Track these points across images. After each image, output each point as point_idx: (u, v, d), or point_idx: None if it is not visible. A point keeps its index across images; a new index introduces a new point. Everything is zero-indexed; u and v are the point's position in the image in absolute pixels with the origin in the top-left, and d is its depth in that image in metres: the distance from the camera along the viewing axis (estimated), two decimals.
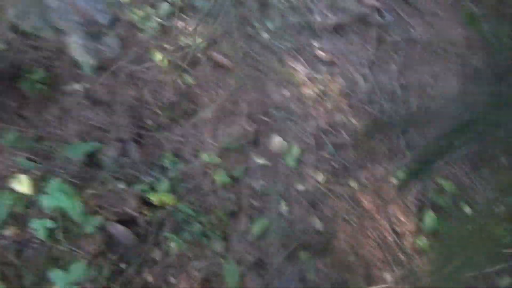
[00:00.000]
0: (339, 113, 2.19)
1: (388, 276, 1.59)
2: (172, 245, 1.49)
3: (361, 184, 1.93)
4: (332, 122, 2.14)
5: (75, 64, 1.69)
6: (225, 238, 1.58)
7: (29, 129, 1.53)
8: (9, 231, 1.28)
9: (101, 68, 1.74)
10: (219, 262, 1.52)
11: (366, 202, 1.87)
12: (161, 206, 1.57)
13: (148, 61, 1.86)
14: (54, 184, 1.31)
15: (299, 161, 1.91)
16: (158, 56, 1.86)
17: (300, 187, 1.82)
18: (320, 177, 1.87)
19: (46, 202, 1.27)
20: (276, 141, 1.96)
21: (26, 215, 1.32)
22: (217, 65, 2.07)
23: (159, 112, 1.79)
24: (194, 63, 2.00)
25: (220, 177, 1.71)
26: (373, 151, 2.09)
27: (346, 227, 1.73)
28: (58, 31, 1.65)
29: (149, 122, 1.77)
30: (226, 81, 2.08)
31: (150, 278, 1.42)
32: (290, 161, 1.88)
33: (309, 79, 2.22)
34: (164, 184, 1.60)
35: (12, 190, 1.31)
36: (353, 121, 2.16)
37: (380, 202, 1.88)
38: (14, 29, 1.58)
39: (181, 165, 1.72)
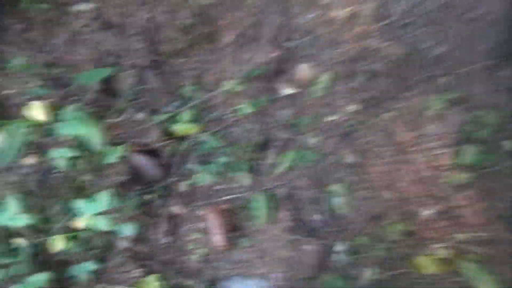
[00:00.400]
0: (370, 38, 2.01)
1: (424, 212, 1.54)
2: (198, 177, 1.44)
3: (395, 115, 1.81)
4: (363, 47, 1.97)
5: None
6: (252, 170, 1.52)
7: (37, 54, 1.40)
8: (28, 160, 1.22)
9: None
10: (247, 194, 1.47)
11: (400, 134, 1.77)
12: (184, 137, 1.50)
13: None
14: (71, 111, 1.22)
15: (328, 90, 1.79)
16: None
17: (330, 118, 1.72)
18: (351, 108, 1.75)
19: (64, 130, 1.19)
20: (303, 69, 1.82)
21: (45, 144, 1.25)
22: None
23: (175, 36, 1.65)
24: None
25: (244, 107, 1.61)
26: (408, 79, 1.95)
27: (379, 161, 1.65)
28: None
29: (165, 47, 1.63)
30: (247, 4, 1.90)
31: (176, 210, 1.38)
32: (319, 90, 1.76)
33: None
34: (186, 114, 1.50)
35: (26, 118, 1.23)
36: (386, 46, 2.00)
37: (415, 135, 1.78)
38: None
39: (202, 94, 1.61)
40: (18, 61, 1.32)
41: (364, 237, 1.48)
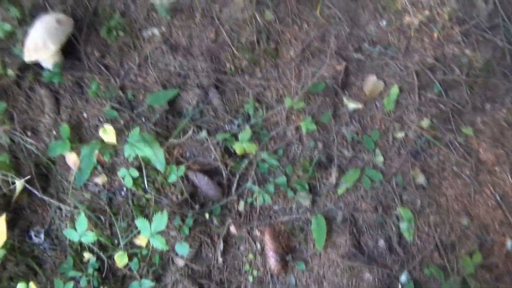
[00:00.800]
0: (449, 44, 1.84)
1: (509, 242, 1.36)
2: (256, 197, 1.45)
3: (477, 129, 1.63)
4: (440, 55, 1.81)
5: (152, 7, 1.64)
6: (312, 190, 1.49)
7: (113, 78, 1.55)
8: (99, 179, 1.35)
9: (176, 9, 1.67)
10: (306, 216, 1.45)
11: (483, 151, 1.59)
12: (244, 156, 1.53)
13: None
14: (137, 133, 1.31)
15: (398, 103, 1.68)
16: None
17: (399, 134, 1.61)
18: (424, 122, 1.62)
19: (131, 151, 1.30)
20: (371, 81, 1.73)
21: (114, 164, 1.38)
22: None
23: (238, 54, 1.69)
24: None
25: (306, 124, 1.58)
26: (494, 89, 1.74)
27: (456, 182, 1.51)
28: None
29: (229, 65, 1.68)
30: (312, 14, 1.87)
31: (233, 230, 1.41)
32: (388, 104, 1.66)
33: (412, 3, 1.88)
34: (247, 132, 1.53)
35: (100, 140, 1.36)
36: (468, 52, 1.81)
37: (501, 152, 1.58)
38: None
39: (264, 111, 1.62)
40: (95, 86, 1.47)
41: (434, 268, 1.36)
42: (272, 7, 1.78)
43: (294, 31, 1.80)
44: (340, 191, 1.49)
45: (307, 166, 1.54)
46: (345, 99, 1.68)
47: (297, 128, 1.60)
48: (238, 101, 1.66)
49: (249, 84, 1.68)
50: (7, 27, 1.34)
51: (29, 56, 1.29)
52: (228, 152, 1.53)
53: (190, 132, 1.50)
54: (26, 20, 1.42)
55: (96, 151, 1.32)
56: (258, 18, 1.73)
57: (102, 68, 1.55)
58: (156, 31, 1.64)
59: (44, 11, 1.49)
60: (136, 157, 1.33)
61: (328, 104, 1.66)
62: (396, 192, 1.48)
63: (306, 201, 1.46)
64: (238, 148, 1.51)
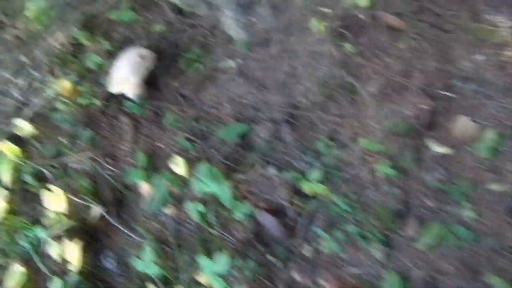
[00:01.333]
0: None
1: None
2: (323, 243, 1.37)
3: None
4: None
5: (229, 40, 1.68)
6: (387, 242, 1.37)
7: (188, 108, 1.60)
8: (168, 210, 1.38)
9: (253, 42, 1.69)
10: (378, 271, 1.33)
11: None
12: (314, 197, 1.46)
13: (302, 30, 1.71)
14: (206, 166, 1.33)
15: (495, 150, 1.49)
16: (315, 23, 1.69)
17: (495, 186, 1.42)
18: None
19: (199, 185, 1.31)
20: (462, 123, 1.57)
21: (183, 196, 1.40)
22: (385, 27, 1.77)
23: (314, 88, 1.64)
24: (356, 27, 1.76)
25: (384, 168, 1.47)
26: None
27: None
28: (212, 6, 1.65)
29: (303, 100, 1.64)
30: (396, 47, 1.77)
31: (297, 276, 1.34)
32: (482, 151, 1.48)
33: None
34: (318, 172, 1.47)
35: (171, 171, 1.40)
36: None
37: None
38: (173, 8, 1.65)
39: (337, 151, 1.55)
40: (171, 115, 1.52)
41: None
42: (352, 39, 1.72)
43: (374, 65, 1.71)
44: (420, 246, 1.35)
45: (383, 215, 1.42)
46: (430, 142, 1.54)
47: (373, 171, 1.50)
48: (310, 137, 1.60)
49: (322, 120, 1.62)
50: (97, 59, 1.45)
51: (114, 87, 1.38)
52: (296, 191, 1.47)
53: (259, 168, 1.48)
54: (115, 52, 1.53)
55: (168, 182, 1.36)
56: (336, 51, 1.68)
57: (179, 98, 1.61)
58: (232, 63, 1.67)
59: (131, 44, 1.60)
60: (204, 192, 1.34)
61: (410, 146, 1.53)
62: (488, 256, 1.29)
63: (379, 254, 1.34)
64: (307, 187, 1.45)
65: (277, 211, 1.44)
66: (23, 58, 1.40)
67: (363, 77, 1.70)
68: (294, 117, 1.64)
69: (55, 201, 1.21)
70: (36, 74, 1.39)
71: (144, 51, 1.43)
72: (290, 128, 1.60)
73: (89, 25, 1.52)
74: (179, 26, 1.65)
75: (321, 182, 1.47)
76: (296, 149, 1.56)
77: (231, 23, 1.66)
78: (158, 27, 1.60)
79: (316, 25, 1.70)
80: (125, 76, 1.36)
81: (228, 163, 1.50)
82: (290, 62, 1.67)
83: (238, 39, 1.66)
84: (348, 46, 1.70)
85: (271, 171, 1.50)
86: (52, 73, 1.42)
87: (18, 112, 1.35)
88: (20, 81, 1.38)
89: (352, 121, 1.61)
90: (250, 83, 1.68)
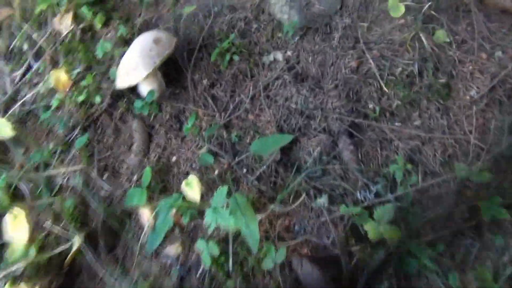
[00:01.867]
0: None
1: None
2: None
3: None
4: None
5: (277, 25, 1.31)
6: None
7: (218, 112, 1.26)
8: (173, 248, 1.05)
9: (310, 27, 1.30)
10: None
11: None
12: (380, 244, 1.03)
13: (377, 12, 1.29)
14: (222, 193, 0.96)
15: None
16: (394, 2, 1.25)
17: None
18: None
19: (216, 216, 0.94)
20: None
21: (194, 231, 1.05)
22: (494, 10, 1.28)
23: (388, 90, 1.21)
24: (452, 9, 1.29)
25: (491, 207, 0.99)
26: None
27: None
28: None
29: (372, 105, 1.21)
30: (509, 36, 1.27)
31: None
32: None
33: None
34: (388, 208, 1.03)
35: (183, 195, 1.06)
36: None
37: None
38: None
39: (419, 178, 1.10)
40: (194, 120, 1.19)
41: None
42: (447, 25, 1.25)
43: (479, 60, 1.23)
44: None
45: (487, 277, 0.94)
46: None
47: (474, 210, 1.02)
48: (380, 158, 1.17)
49: (400, 135, 1.18)
50: (109, 46, 1.17)
51: (120, 82, 1.09)
52: (356, 233, 1.05)
53: (303, 196, 1.08)
54: (132, 39, 1.24)
55: (174, 209, 1.02)
56: (424, 40, 1.23)
57: (209, 99, 1.28)
58: (279, 55, 1.30)
59: (153, 29, 1.31)
60: (222, 226, 0.98)
61: None
62: None
63: None
64: (371, 230, 1.02)
65: (325, 261, 1.03)
66: (22, 44, 1.18)
67: (461, 76, 1.23)
68: (359, 129, 1.22)
69: (19, 227, 0.93)
70: (34, 63, 1.16)
71: (161, 34, 1.11)
72: (352, 143, 1.18)
73: (104, 5, 1.27)
74: (215, 8, 1.33)
75: (394, 223, 1.03)
76: (359, 173, 1.14)
77: (280, 4, 1.29)
78: (188, 9, 1.29)
79: (396, 6, 1.26)
80: (134, 66, 1.06)
81: (262, 187, 1.13)
82: (358, 54, 1.25)
83: (288, 24, 1.28)
84: (440, 34, 1.24)
85: (321, 201, 1.09)
86: (53, 62, 1.18)
87: (5, 109, 1.12)
88: (15, 71, 1.16)
89: (443, 136, 1.14)
90: (301, 81, 1.29)
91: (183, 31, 1.32)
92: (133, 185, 1.11)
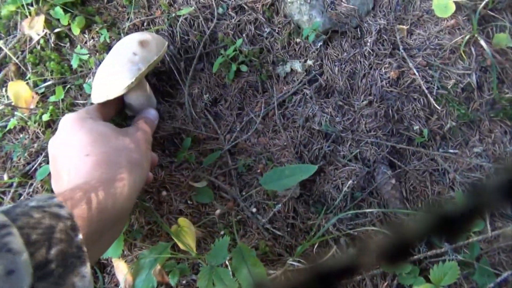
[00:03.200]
0: None
1: None
2: None
3: None
4: None
5: (295, 29, 1.10)
6: None
7: (222, 133, 1.03)
8: None
9: (335, 31, 1.08)
10: None
11: None
12: None
13: (421, 12, 1.06)
14: (224, 244, 0.72)
15: None
16: (441, 0, 1.03)
17: None
18: None
19: (203, 281, 0.69)
20: None
21: None
22: None
23: (439, 107, 0.97)
24: (509, 8, 1.06)
25: None
26: None
27: None
28: None
29: (417, 127, 0.97)
30: None
31: None
32: None
33: None
34: (450, 267, 0.77)
35: (172, 243, 0.82)
36: None
37: None
38: None
39: (487, 222, 0.84)
40: (189, 147, 0.96)
41: None
42: (509, 27, 1.02)
43: None
44: None
45: None
46: None
47: None
48: (431, 195, 0.92)
49: (455, 165, 0.93)
50: (85, 53, 0.97)
51: (95, 95, 0.87)
52: None
53: (334, 248, 0.83)
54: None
55: (159, 265, 0.78)
56: (483, 44, 1.00)
57: (210, 118, 1.05)
58: (298, 66, 1.08)
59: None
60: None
61: None
62: None
63: None
64: None
65: None
66: None
67: None
68: (401, 157, 0.97)
69: None
70: None
71: (149, 36, 0.90)
72: (394, 175, 0.94)
73: (85, 8, 1.07)
74: (218, 9, 1.12)
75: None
76: (405, 216, 0.89)
77: (298, 3, 1.08)
78: (186, 11, 1.09)
79: (444, 4, 1.04)
80: (112, 74, 0.85)
81: (278, 232, 0.88)
82: (397, 63, 1.02)
83: (309, 27, 1.07)
84: (502, 38, 1.01)
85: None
86: (18, 74, 0.98)
87: None
88: None
89: None
90: (326, 97, 1.06)
91: (180, 37, 1.11)
92: None
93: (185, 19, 1.12)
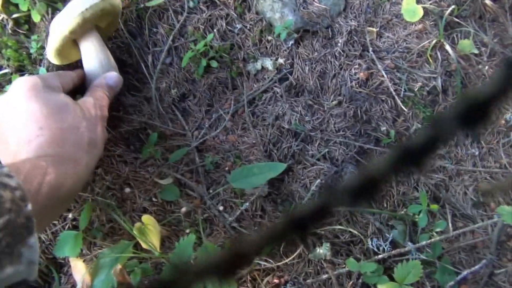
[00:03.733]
0: None
1: None
2: None
3: None
4: None
5: (267, 27, 1.09)
6: None
7: (189, 130, 1.01)
8: None
9: (307, 31, 1.08)
10: None
11: None
12: None
13: (386, 15, 1.08)
14: (189, 243, 0.70)
15: None
16: (409, 4, 1.06)
17: None
18: None
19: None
20: None
21: None
22: None
23: (406, 108, 0.99)
24: (473, 16, 1.10)
25: None
26: None
27: None
28: None
29: (384, 128, 0.99)
30: None
31: None
32: None
33: None
34: (413, 266, 0.79)
35: (135, 242, 0.79)
36: None
37: None
38: None
39: (450, 224, 0.87)
40: (155, 142, 0.94)
41: None
42: (475, 33, 1.06)
43: None
44: None
45: None
46: None
47: None
48: (397, 195, 0.94)
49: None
50: (43, 37, 0.92)
51: (48, 51, 0.83)
52: None
53: (300, 248, 0.83)
54: None
55: (120, 265, 0.75)
56: (448, 50, 1.03)
57: (178, 114, 1.03)
58: (268, 63, 1.07)
59: None
60: None
61: None
62: None
63: None
64: None
65: None
66: None
67: None
68: (369, 157, 0.99)
69: None
70: None
71: None
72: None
73: None
74: (189, 2, 1.10)
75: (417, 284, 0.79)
76: (370, 215, 0.90)
77: (271, 0, 1.07)
78: (155, 2, 1.06)
79: (412, 9, 1.06)
80: (56, 20, 0.79)
81: (244, 231, 0.87)
82: (367, 64, 1.04)
83: (281, 25, 1.07)
84: (466, 44, 1.05)
85: (322, 253, 0.84)
86: None
87: None
88: None
89: (474, 170, 0.92)
90: (296, 96, 1.06)
91: (149, 29, 1.08)
92: (66, 227, 0.84)
93: (154, 11, 1.09)
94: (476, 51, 1.04)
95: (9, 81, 0.92)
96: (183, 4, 1.10)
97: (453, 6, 1.06)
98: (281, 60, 1.09)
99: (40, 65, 0.93)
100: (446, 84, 1.00)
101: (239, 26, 1.11)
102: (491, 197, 0.91)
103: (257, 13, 1.11)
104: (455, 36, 1.06)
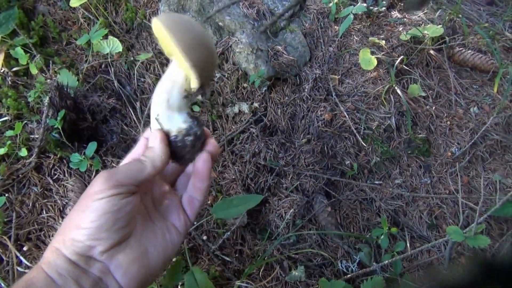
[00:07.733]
0: None
1: None
2: None
3: None
4: None
5: (242, 75, 1.24)
6: None
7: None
8: None
9: (277, 79, 1.24)
10: None
11: None
12: None
13: (346, 64, 1.26)
14: (176, 268, 0.79)
15: None
16: (365, 55, 1.23)
17: None
18: None
19: None
20: None
21: None
22: (464, 67, 1.30)
23: (366, 145, 1.14)
24: (420, 64, 1.29)
25: None
26: None
27: None
28: (221, 29, 1.24)
29: (348, 162, 1.13)
30: (485, 91, 1.27)
31: None
32: None
33: None
34: (377, 282, 0.90)
35: None
36: None
37: None
38: None
39: (409, 244, 0.99)
40: None
41: None
42: (422, 79, 1.24)
43: (456, 115, 1.20)
44: None
45: None
46: None
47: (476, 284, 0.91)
48: (362, 220, 1.06)
49: (381, 194, 1.08)
50: (40, 88, 1.03)
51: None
52: None
53: (277, 268, 0.93)
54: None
55: None
56: (399, 94, 1.20)
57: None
58: (245, 107, 1.21)
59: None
60: None
61: None
62: None
63: None
64: None
65: None
66: None
67: (440, 131, 1.19)
68: (336, 188, 1.12)
69: None
70: None
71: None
72: (330, 204, 1.07)
73: (45, 49, 1.14)
74: None
75: None
76: (339, 240, 1.01)
77: (245, 53, 1.23)
78: (144, 56, 1.20)
79: (368, 59, 1.24)
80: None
81: (228, 258, 0.97)
82: (331, 107, 1.19)
83: (255, 74, 1.22)
84: (415, 88, 1.22)
85: (297, 275, 0.94)
86: None
87: None
88: None
89: (427, 196, 1.06)
90: (270, 135, 1.20)
91: (137, 78, 1.21)
92: None
93: (142, 63, 1.23)
94: (424, 94, 1.21)
95: (8, 127, 1.01)
96: (168, 57, 1.25)
97: (402, 56, 1.24)
98: (256, 104, 1.23)
99: (36, 114, 1.03)
100: (399, 123, 1.16)
101: (218, 75, 1.26)
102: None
103: (233, 63, 1.27)
104: (405, 81, 1.23)
